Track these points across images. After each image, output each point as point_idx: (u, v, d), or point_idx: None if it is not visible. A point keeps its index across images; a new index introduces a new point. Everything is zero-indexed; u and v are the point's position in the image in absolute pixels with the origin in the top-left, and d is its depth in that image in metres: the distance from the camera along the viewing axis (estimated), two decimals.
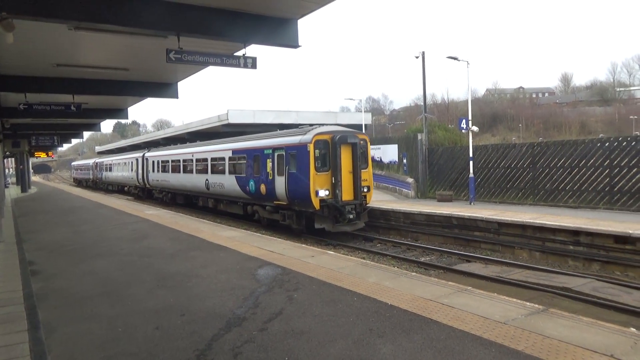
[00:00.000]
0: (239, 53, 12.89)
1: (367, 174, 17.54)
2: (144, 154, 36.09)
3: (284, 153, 17.58)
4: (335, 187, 16.40)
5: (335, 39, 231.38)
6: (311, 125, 18.88)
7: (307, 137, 16.72)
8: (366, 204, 17.63)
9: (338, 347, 5.48)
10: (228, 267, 9.63)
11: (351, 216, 16.48)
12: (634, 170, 16.73)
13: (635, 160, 16.71)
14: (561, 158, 19.30)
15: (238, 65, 12.77)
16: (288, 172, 17.17)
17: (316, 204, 16.26)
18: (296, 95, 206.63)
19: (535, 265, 12.94)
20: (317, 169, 16.37)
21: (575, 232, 13.23)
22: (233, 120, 37.21)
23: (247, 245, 12.02)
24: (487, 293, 7.41)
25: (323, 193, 16.32)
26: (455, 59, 22.13)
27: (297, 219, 17.48)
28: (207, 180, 24.28)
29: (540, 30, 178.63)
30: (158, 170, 32.54)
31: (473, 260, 13.82)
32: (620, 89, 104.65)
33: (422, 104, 29.64)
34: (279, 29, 12.67)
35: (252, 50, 15.45)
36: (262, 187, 18.76)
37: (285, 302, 7.19)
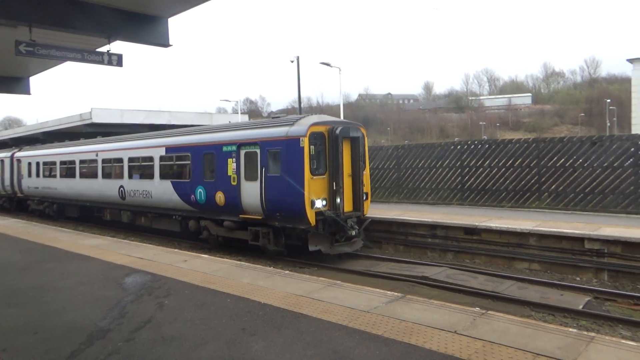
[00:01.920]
0: (103, 49, 12.08)
1: (366, 178, 13.91)
2: (13, 154, 29.19)
3: (257, 150, 13.01)
4: (335, 195, 12.52)
5: (211, 40, 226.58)
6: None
7: (300, 128, 12.26)
8: (364, 215, 13.92)
9: (210, 349, 5.45)
10: (91, 278, 8.96)
11: (354, 232, 12.95)
12: (479, 170, 19.00)
13: (482, 161, 18.98)
14: (422, 159, 21.17)
15: (101, 62, 11.98)
16: (265, 175, 12.66)
17: (312, 218, 12.10)
18: (169, 96, 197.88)
19: (399, 257, 14.04)
20: (312, 172, 12.22)
21: (433, 226, 14.64)
22: (98, 119, 34.35)
23: (113, 253, 11.29)
24: (355, 286, 7.92)
25: (320, 203, 12.27)
26: (328, 65, 23.08)
27: (275, 238, 13.12)
28: (121, 187, 18.49)
29: (406, 41, 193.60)
30: (38, 175, 25.41)
31: (345, 257, 14.56)
32: (472, 97, 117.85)
33: (298, 106, 30.40)
34: (147, 27, 12.16)
35: (118, 47, 14.49)
36: (219, 196, 14.08)
37: (155, 310, 6.93)
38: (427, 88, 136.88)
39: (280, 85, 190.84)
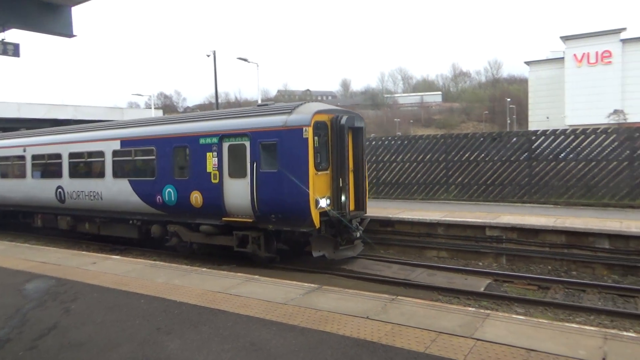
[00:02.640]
0: None
1: (365, 172, 12.77)
2: None
3: (246, 143, 11.25)
4: (340, 192, 11.18)
5: (122, 32, 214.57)
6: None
7: (302, 117, 10.66)
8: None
9: (122, 351, 5.28)
10: None
11: (358, 234, 11.90)
12: (393, 165, 19.87)
13: (395, 156, 19.84)
14: None
15: None
16: (257, 172, 10.97)
17: (316, 219, 10.63)
18: (74, 89, 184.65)
19: None
20: (316, 167, 10.73)
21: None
22: None
23: (11, 259, 10.45)
24: (272, 279, 8.02)
25: (324, 203, 10.86)
26: (245, 60, 22.88)
27: (266, 243, 11.58)
28: (60, 188, 15.59)
29: (324, 39, 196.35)
30: None
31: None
32: (387, 95, 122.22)
33: (215, 101, 29.82)
34: (48, 15, 11.39)
35: (15, 36, 13.36)
36: (195, 197, 12.08)
37: (61, 315, 6.55)
38: (345, 85, 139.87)
39: (196, 80, 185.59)
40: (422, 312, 6.03)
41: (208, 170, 11.78)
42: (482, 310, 6.29)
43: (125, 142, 13.83)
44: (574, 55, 46.93)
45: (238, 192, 11.34)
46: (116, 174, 13.95)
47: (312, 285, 7.55)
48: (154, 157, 12.95)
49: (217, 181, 11.66)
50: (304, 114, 10.74)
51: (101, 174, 14.28)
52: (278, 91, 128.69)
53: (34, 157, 16.70)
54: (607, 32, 46.36)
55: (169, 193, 12.54)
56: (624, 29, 46.11)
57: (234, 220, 11.56)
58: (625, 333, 5.43)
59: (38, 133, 17.89)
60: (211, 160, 11.78)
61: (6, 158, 17.95)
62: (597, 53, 46.07)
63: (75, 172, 15.22)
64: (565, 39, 48.02)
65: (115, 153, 13.96)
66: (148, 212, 13.29)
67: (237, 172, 11.41)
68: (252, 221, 11.23)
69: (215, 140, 11.71)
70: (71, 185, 15.15)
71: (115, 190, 13.86)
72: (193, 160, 12.11)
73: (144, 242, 14.53)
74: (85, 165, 15.05)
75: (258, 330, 5.65)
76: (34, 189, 16.67)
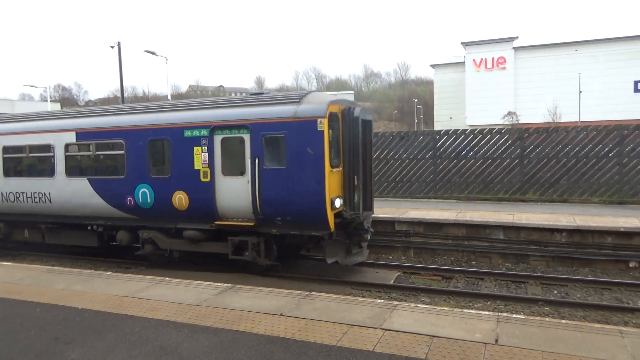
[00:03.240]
0: None
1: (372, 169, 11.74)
2: None
3: (245, 136, 9.91)
4: (353, 191, 10.05)
5: (11, 16, 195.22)
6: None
7: (316, 107, 9.46)
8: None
9: None
10: None
11: (369, 236, 10.93)
12: None
13: None
14: None
15: None
16: (260, 169, 9.67)
17: (332, 221, 9.49)
18: None
19: None
20: (330, 163, 9.55)
21: None
22: None
23: None
24: (183, 281, 7.79)
25: (338, 203, 9.74)
26: (153, 53, 21.91)
27: (266, 249, 10.33)
28: None
29: (238, 35, 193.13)
30: None
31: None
32: None
33: (120, 95, 28.21)
34: None
35: None
36: (178, 198, 10.46)
37: None
38: (259, 82, 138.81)
39: (99, 72, 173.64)
40: (335, 307, 6.19)
41: (196, 167, 10.25)
42: (390, 302, 6.60)
43: (82, 134, 11.60)
44: (473, 60, 50.53)
45: (234, 192, 9.99)
46: (71, 172, 11.75)
47: (226, 285, 7.45)
48: (122, 152, 11.02)
49: (207, 179, 10.14)
50: (317, 103, 9.55)
51: (49, 172, 11.99)
52: (189, 86, 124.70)
53: None
54: (502, 40, 50.47)
55: (144, 194, 10.79)
56: (517, 37, 50.49)
57: (229, 225, 10.16)
58: (515, 315, 5.99)
59: None
60: (200, 156, 10.24)
61: None
62: (493, 59, 49.96)
63: (11, 170, 12.71)
64: (465, 44, 51.51)
65: (68, 147, 11.77)
66: (114, 216, 11.35)
67: (234, 169, 10.12)
68: (253, 225, 9.87)
69: (205, 132, 10.16)
70: (6, 185, 12.64)
71: (69, 191, 11.68)
72: (175, 156, 10.48)
73: (104, 251, 12.68)
74: (27, 162, 12.57)
75: (168, 334, 5.47)
76: None
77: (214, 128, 10.09)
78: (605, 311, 8.20)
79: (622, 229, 10.75)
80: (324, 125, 9.26)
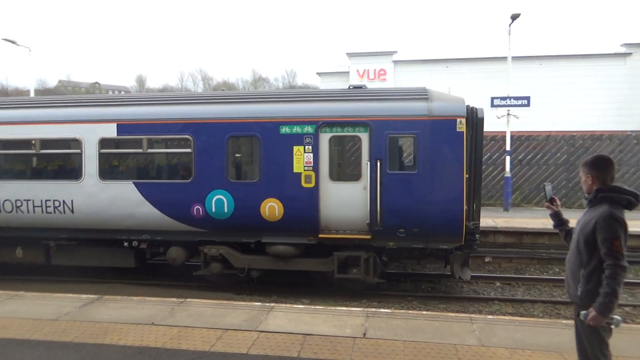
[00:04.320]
0: None
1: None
2: None
3: (362, 135, 8.59)
4: (475, 199, 8.91)
5: None
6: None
7: (452, 105, 8.48)
8: None
9: None
10: None
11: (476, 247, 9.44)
12: None
13: None
14: None
15: None
16: (383, 173, 8.35)
17: (463, 232, 8.42)
18: None
19: None
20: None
21: None
22: None
23: None
24: (41, 294, 7.11)
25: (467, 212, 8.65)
26: (13, 42, 19.68)
27: (374, 265, 8.89)
28: None
29: (117, 31, 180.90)
30: None
31: None
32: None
33: None
34: None
35: None
36: (269, 206, 8.72)
37: None
38: (140, 81, 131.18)
39: None
40: (210, 312, 6.08)
41: (296, 171, 8.64)
42: (267, 304, 6.64)
43: (128, 126, 9.26)
44: (357, 70, 52.99)
45: (345, 200, 8.61)
46: (107, 174, 9.37)
47: (91, 296, 6.93)
48: (189, 151, 9.00)
49: (311, 185, 8.63)
50: (452, 101, 8.64)
51: (73, 174, 9.48)
52: (59, 81, 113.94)
53: None
54: (383, 53, 53.62)
55: (219, 202, 8.86)
56: (396, 51, 54.04)
57: (336, 237, 8.69)
58: (382, 310, 6.40)
59: None
60: (302, 157, 8.67)
61: None
62: (375, 70, 52.85)
63: (7, 171, 9.88)
64: (350, 55, 53.90)
65: (104, 142, 9.30)
66: (169, 229, 9.17)
67: (345, 173, 9.07)
68: (370, 238, 8.56)
69: (309, 129, 8.64)
70: (2, 190, 9.60)
71: (104, 199, 9.22)
72: (267, 156, 8.73)
73: (137, 271, 10.21)
74: (35, 161, 9.96)
75: (20, 354, 4.94)
76: None
77: (322, 124, 8.61)
78: (464, 302, 9.07)
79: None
80: (463, 125, 8.29)
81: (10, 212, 9.40)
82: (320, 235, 8.65)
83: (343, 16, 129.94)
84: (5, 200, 9.40)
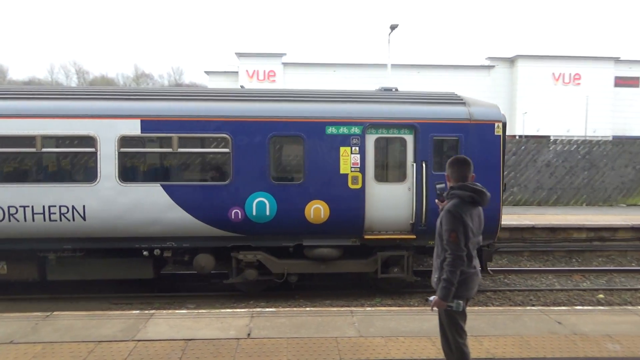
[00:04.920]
0: None
1: None
2: None
3: (406, 137, 8.64)
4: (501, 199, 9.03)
5: None
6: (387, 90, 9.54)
7: (491, 110, 8.90)
8: None
9: None
10: None
11: None
12: None
13: None
14: None
15: None
16: (427, 174, 8.46)
17: (498, 230, 8.93)
18: None
19: None
20: None
21: None
22: None
23: None
24: None
25: None
26: None
27: (411, 263, 8.98)
28: None
29: None
30: None
31: None
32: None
33: None
34: None
35: None
36: (314, 209, 8.38)
37: None
38: (1, 72, 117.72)
39: None
40: (81, 324, 5.62)
41: (343, 172, 8.45)
42: (146, 311, 6.32)
43: (154, 123, 8.21)
44: (247, 71, 52.74)
45: (390, 201, 8.62)
46: (128, 176, 8.29)
47: None
48: (227, 150, 8.29)
49: (358, 186, 8.49)
50: (489, 107, 9.05)
51: (86, 176, 8.25)
52: None
53: None
54: (272, 55, 53.95)
55: (260, 205, 8.26)
56: (285, 54, 54.63)
57: (382, 238, 8.66)
58: (267, 309, 6.43)
59: None
60: (349, 158, 8.50)
61: None
62: (264, 71, 53.00)
63: (2, 173, 8.21)
64: (239, 55, 53.41)
65: (125, 141, 8.19)
66: (201, 234, 8.37)
67: (390, 174, 8.87)
68: (415, 237, 8.63)
69: (356, 130, 8.48)
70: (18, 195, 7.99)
71: (124, 203, 8.11)
72: (313, 157, 8.42)
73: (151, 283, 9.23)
74: (36, 161, 8.46)
75: None
76: None
77: (369, 126, 8.51)
78: (349, 297, 9.41)
79: None
80: (500, 129, 8.72)
81: (2, 220, 7.87)
82: (366, 237, 8.64)
83: (231, 15, 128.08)
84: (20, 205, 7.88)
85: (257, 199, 8.33)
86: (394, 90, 9.62)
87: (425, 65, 50.55)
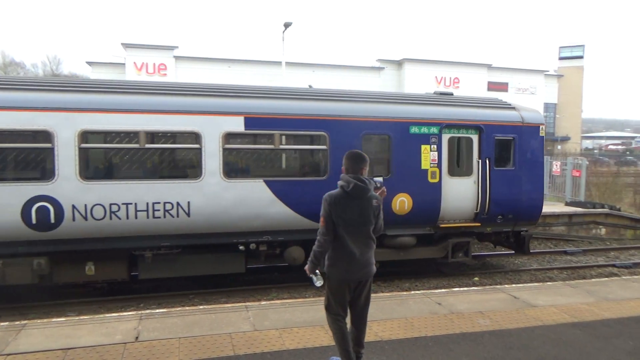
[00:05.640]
0: None
1: None
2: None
3: (473, 137, 9.86)
4: None
5: None
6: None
7: (535, 114, 10.55)
8: None
9: None
10: None
11: None
12: None
13: None
14: None
15: None
16: (491, 169, 9.84)
17: (539, 216, 10.93)
18: None
19: None
20: None
21: None
22: None
23: None
24: None
25: None
26: None
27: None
28: (40, 200, 7.20)
29: None
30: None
31: None
32: None
33: None
34: None
35: None
36: (400, 201, 9.15)
37: None
38: None
39: None
40: None
41: (423, 167, 9.50)
42: (17, 322, 5.69)
43: (257, 120, 8.51)
44: (134, 63, 49.74)
45: (459, 193, 9.82)
46: (232, 172, 8.47)
47: None
48: (324, 147, 8.90)
49: (435, 180, 9.59)
50: (534, 111, 10.75)
51: (190, 172, 8.32)
52: None
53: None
54: (163, 47, 51.47)
55: None
56: (177, 47, 52.40)
57: (453, 226, 9.90)
58: (157, 310, 6.16)
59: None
60: (428, 155, 9.54)
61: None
62: (154, 64, 50.39)
63: (99, 170, 8.05)
64: (126, 46, 50.19)
65: (229, 138, 8.36)
66: (298, 227, 8.79)
67: (460, 169, 9.94)
68: (479, 225, 10.03)
69: (434, 130, 9.57)
70: (86, 193, 7.59)
71: (229, 199, 8.31)
72: (398, 154, 9.33)
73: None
74: (138, 158, 8.01)
75: None
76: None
77: (445, 126, 9.64)
78: (245, 293, 9.34)
79: None
80: (543, 131, 10.33)
81: (101, 219, 7.64)
82: (441, 225, 9.74)
83: (116, 3, 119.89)
84: (95, 205, 7.60)
85: None
86: (450, 95, 10.92)
87: (320, 64, 51.66)
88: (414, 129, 9.49)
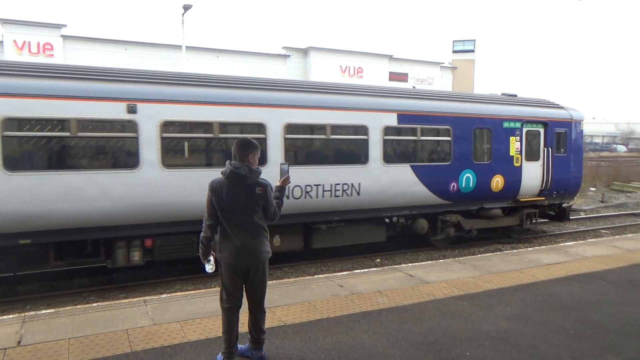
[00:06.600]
0: None
1: None
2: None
3: (540, 130, 12.60)
4: None
5: None
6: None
7: (578, 113, 13.39)
8: None
9: None
10: None
11: None
12: None
13: None
14: None
15: None
16: (552, 155, 12.68)
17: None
18: None
19: None
20: None
21: None
22: None
23: None
24: None
25: None
26: None
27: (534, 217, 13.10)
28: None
29: None
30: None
31: None
32: None
33: None
34: None
35: None
36: (496, 181, 11.77)
37: None
38: None
39: None
40: None
41: (511, 154, 11.99)
42: None
43: (406, 116, 10.42)
44: (15, 41, 44.91)
45: (532, 174, 12.35)
46: (388, 159, 10.27)
47: None
48: (449, 139, 11.04)
49: (518, 164, 12.11)
50: (575, 109, 13.38)
51: (360, 159, 9.96)
52: None
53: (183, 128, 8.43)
54: (49, 25, 46.94)
55: (467, 179, 11.27)
56: (65, 25, 48.00)
57: (527, 200, 12.44)
58: (44, 311, 5.66)
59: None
60: (514, 144, 12.04)
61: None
62: (38, 43, 45.92)
63: (300, 156, 9.53)
64: (4, 22, 45.08)
65: (388, 130, 10.23)
66: (429, 203, 10.92)
67: (532, 155, 12.42)
68: (544, 199, 12.69)
69: (518, 125, 12.10)
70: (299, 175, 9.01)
71: (385, 181, 10.18)
72: (495, 143, 11.78)
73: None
74: (325, 146, 9.72)
75: None
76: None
77: (525, 122, 12.17)
78: (147, 288, 8.91)
79: None
80: (583, 125, 13.31)
81: (299, 198, 9.23)
82: (521, 199, 12.32)
83: None
84: (295, 187, 9.08)
85: (465, 175, 11.24)
86: (516, 96, 13.34)
87: (224, 50, 50.29)
88: (506, 124, 11.88)
